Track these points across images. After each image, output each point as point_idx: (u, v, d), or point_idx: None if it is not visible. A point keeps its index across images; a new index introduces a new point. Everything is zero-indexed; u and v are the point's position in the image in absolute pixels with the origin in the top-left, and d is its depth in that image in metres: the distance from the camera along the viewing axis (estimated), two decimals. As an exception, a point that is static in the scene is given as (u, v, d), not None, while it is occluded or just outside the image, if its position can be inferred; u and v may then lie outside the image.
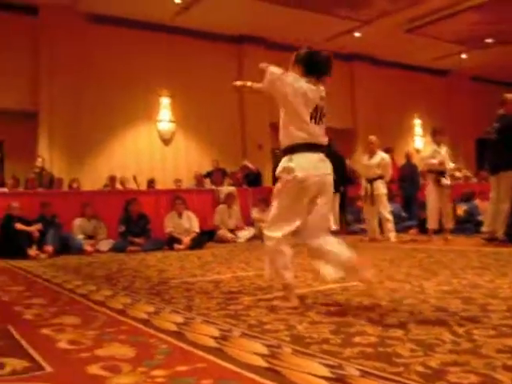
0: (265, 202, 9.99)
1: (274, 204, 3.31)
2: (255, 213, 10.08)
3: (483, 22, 13.52)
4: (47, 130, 11.55)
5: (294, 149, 3.21)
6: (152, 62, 12.74)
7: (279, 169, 3.26)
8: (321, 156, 3.24)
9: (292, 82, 3.22)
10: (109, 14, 12.15)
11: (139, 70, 12.57)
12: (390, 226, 8.37)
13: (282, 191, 3.24)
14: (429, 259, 5.48)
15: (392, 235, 8.26)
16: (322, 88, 3.33)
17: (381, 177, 8.46)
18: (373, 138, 8.79)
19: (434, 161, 8.06)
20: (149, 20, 12.51)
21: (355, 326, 2.62)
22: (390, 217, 8.40)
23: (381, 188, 8.40)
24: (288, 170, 3.17)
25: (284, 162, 3.24)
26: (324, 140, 3.28)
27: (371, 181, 8.44)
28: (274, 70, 3.32)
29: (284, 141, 3.29)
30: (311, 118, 3.17)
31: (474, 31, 14.28)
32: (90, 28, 12.10)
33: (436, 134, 8.39)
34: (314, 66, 3.34)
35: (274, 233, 3.23)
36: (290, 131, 3.24)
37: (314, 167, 3.18)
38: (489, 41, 15.14)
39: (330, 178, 3.26)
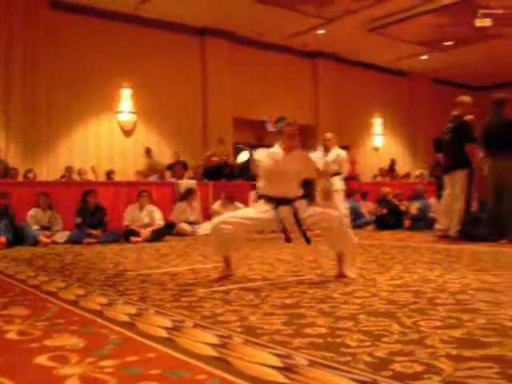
0: (229, 198, 9.97)
1: None
2: (216, 206, 10.06)
3: (443, 24, 13.79)
4: (3, 119, 11.25)
5: None
6: (113, 51, 12.54)
7: None
8: None
9: None
10: (69, 1, 11.91)
11: (100, 60, 12.35)
12: (346, 221, 8.45)
13: None
14: (383, 255, 5.58)
15: None
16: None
17: (338, 173, 8.56)
18: (328, 134, 8.94)
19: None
20: (111, 9, 12.31)
21: (307, 317, 2.66)
22: (345, 212, 8.49)
23: (337, 184, 8.50)
24: None
25: None
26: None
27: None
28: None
29: None
30: None
31: (434, 34, 14.56)
32: (51, 14, 11.82)
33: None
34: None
35: None
36: None
37: None
38: (448, 43, 15.44)
39: None
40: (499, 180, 6.94)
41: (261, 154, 3.99)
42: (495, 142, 6.95)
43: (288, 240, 3.96)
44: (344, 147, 10.38)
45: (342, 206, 8.44)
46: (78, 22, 12.15)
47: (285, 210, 3.92)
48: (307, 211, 3.96)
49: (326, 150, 8.68)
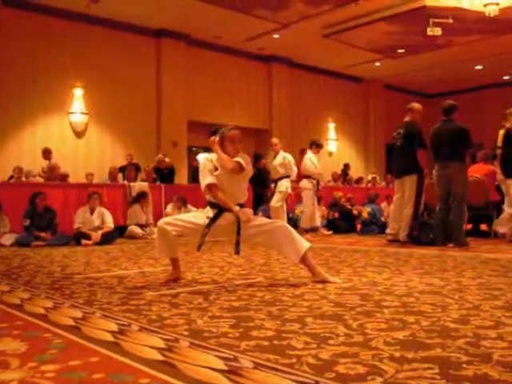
0: (182, 201, 9.92)
1: None
2: (169, 208, 10.00)
3: (396, 32, 14.06)
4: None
5: None
6: (66, 50, 12.29)
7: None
8: None
9: None
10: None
11: (52, 59, 12.10)
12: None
13: None
14: (334, 258, 5.64)
15: None
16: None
17: (287, 176, 8.78)
18: (275, 139, 9.29)
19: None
20: (63, 7, 12.06)
21: (255, 320, 2.66)
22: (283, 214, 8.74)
23: (282, 186, 8.73)
24: None
25: None
26: None
27: (276, 180, 8.78)
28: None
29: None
30: None
31: (387, 41, 14.83)
32: (2, 11, 11.44)
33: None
34: None
35: None
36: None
37: None
38: (401, 51, 15.76)
39: None
40: (447, 186, 7.11)
41: (207, 166, 3.97)
42: (444, 149, 7.11)
43: (237, 252, 3.94)
44: (302, 151, 10.73)
45: (279, 205, 8.67)
46: (31, 19, 11.87)
47: (227, 217, 3.92)
48: (252, 220, 3.93)
49: (275, 154, 8.98)
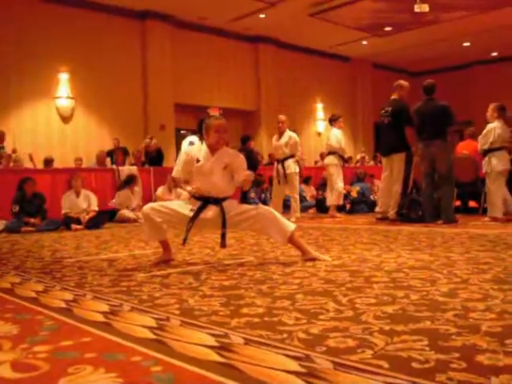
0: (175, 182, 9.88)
1: None
2: (159, 192, 9.96)
3: (382, 10, 13.98)
4: None
5: None
6: (50, 35, 12.12)
7: None
8: None
9: None
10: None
11: (35, 43, 11.93)
12: (295, 205, 8.52)
13: None
14: (323, 237, 5.67)
15: (295, 215, 8.34)
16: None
17: (292, 156, 8.51)
18: (282, 117, 8.79)
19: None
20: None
21: (245, 298, 2.68)
22: (297, 196, 8.58)
23: (291, 167, 8.45)
24: None
25: None
26: None
27: (282, 161, 8.49)
28: None
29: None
30: None
31: (374, 19, 14.75)
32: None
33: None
34: None
35: None
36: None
37: None
38: (388, 29, 15.69)
39: None
40: (431, 164, 7.11)
41: (181, 158, 4.02)
42: (426, 128, 7.09)
43: (223, 245, 3.93)
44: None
45: (294, 190, 8.51)
46: (16, 2, 11.66)
47: (211, 210, 3.90)
48: (236, 209, 3.94)
49: (279, 133, 8.65)
